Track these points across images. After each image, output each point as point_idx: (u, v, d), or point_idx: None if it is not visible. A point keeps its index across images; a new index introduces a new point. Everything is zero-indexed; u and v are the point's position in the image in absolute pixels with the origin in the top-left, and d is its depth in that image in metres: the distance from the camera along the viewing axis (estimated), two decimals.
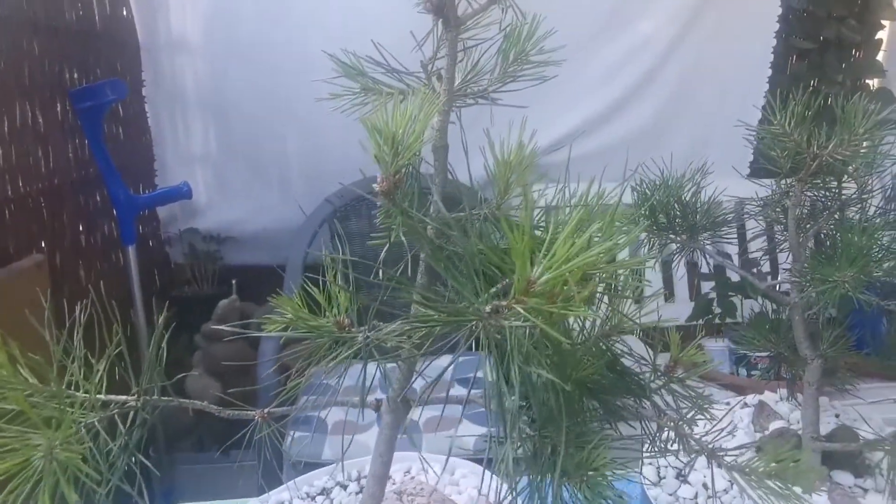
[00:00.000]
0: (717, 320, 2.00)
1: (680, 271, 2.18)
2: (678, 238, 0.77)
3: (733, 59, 2.22)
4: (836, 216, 0.71)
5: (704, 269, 2.16)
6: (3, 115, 1.46)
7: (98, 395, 0.44)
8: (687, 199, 0.77)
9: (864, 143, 0.62)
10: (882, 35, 2.34)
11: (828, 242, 0.73)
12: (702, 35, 2.17)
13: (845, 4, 2.28)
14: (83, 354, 0.46)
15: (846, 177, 0.69)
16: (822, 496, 0.65)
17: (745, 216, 0.75)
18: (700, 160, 0.81)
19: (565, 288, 0.34)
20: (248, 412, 0.54)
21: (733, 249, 1.93)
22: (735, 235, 0.81)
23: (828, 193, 0.70)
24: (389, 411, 0.51)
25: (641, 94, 2.21)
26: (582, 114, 2.17)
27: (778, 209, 0.73)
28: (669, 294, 2.19)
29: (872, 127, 0.61)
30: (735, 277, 2.08)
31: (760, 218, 0.76)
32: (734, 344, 2.00)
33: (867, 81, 2.38)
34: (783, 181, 0.70)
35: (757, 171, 2.28)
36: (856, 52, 2.36)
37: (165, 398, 0.48)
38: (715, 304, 2.02)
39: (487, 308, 0.35)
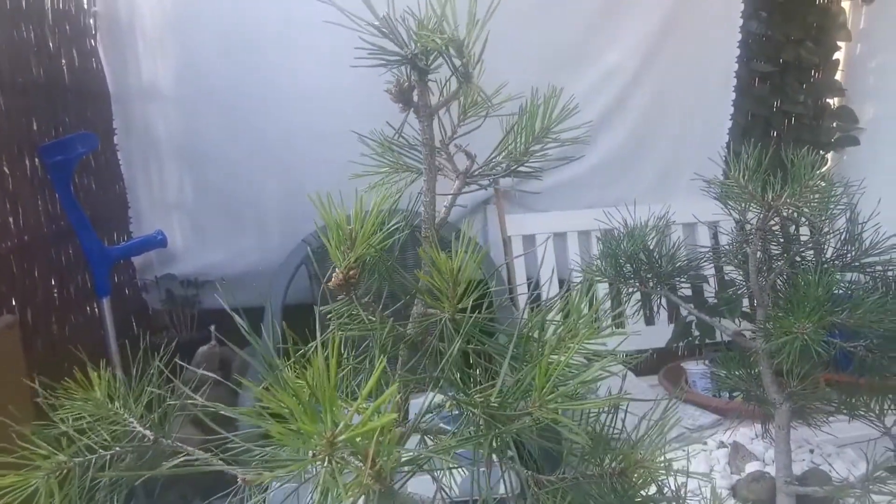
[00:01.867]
0: (696, 342, 2.03)
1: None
2: (646, 287, 0.78)
3: (697, 84, 2.28)
4: (798, 259, 0.73)
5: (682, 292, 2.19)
6: None
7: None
8: (652, 246, 0.78)
9: (815, 195, 0.64)
10: (839, 56, 2.42)
11: (789, 289, 0.75)
12: (666, 63, 2.23)
13: (802, 28, 2.36)
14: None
15: (803, 221, 0.71)
16: None
17: (707, 264, 0.76)
18: (667, 188, 0.83)
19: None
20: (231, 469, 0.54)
21: (710, 280, 1.96)
22: (707, 274, 0.83)
23: (783, 239, 0.71)
24: None
25: (610, 124, 2.26)
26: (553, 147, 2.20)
27: (739, 256, 0.75)
28: (649, 318, 2.22)
29: (821, 178, 0.63)
30: (712, 299, 2.11)
31: (723, 264, 0.78)
32: (713, 367, 2.02)
33: (828, 101, 2.45)
34: (741, 229, 0.72)
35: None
36: (815, 73, 2.44)
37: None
38: (694, 326, 2.05)
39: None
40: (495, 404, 0.41)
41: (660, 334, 2.15)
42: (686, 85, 2.27)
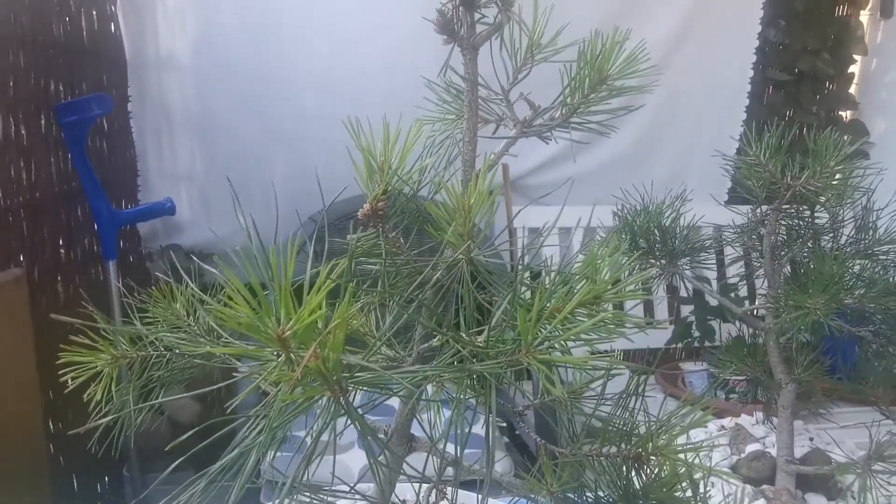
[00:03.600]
0: (696, 344, 2.03)
1: (659, 295, 2.21)
2: (658, 263, 0.79)
3: (711, 89, 2.28)
4: (810, 244, 0.74)
5: (684, 294, 2.20)
6: None
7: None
8: (666, 224, 0.79)
9: (836, 176, 0.65)
10: (854, 69, 2.43)
11: (801, 270, 0.76)
12: (681, 66, 2.23)
13: (820, 39, 2.37)
14: None
15: (818, 207, 0.71)
16: None
17: (723, 242, 0.77)
18: (679, 187, 0.84)
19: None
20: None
21: (712, 274, 1.97)
22: (714, 261, 0.83)
23: (801, 222, 0.72)
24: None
25: (622, 121, 2.26)
26: (561, 141, 2.20)
27: (754, 236, 0.76)
28: (649, 318, 2.22)
29: (843, 160, 0.63)
30: (714, 302, 2.12)
31: (738, 244, 0.79)
32: (712, 367, 2.03)
33: (840, 113, 2.45)
34: (759, 209, 0.72)
35: (735, 199, 2.33)
36: (829, 85, 2.45)
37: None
38: (694, 327, 2.05)
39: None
40: (481, 344, 0.39)
41: (658, 335, 2.15)
42: (700, 88, 2.27)
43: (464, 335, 0.41)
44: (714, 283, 2.04)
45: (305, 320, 0.31)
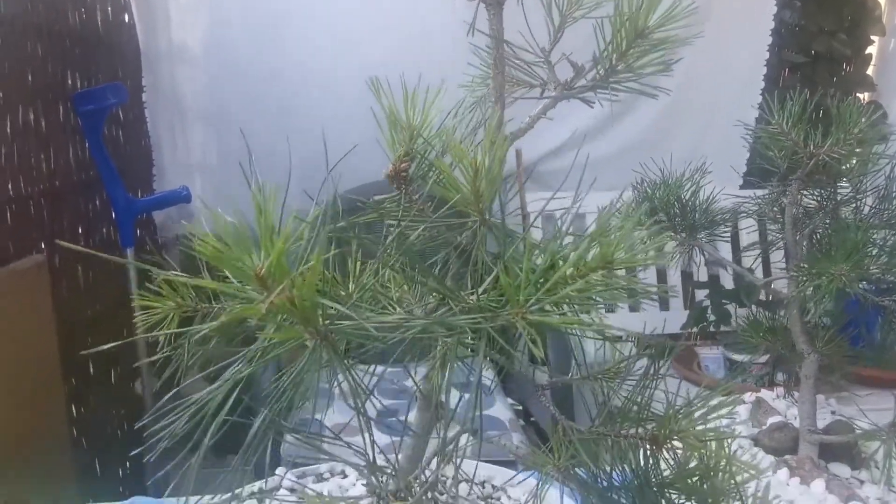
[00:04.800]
0: (711, 328, 2.02)
1: (674, 279, 2.20)
2: (677, 236, 0.79)
3: (727, 71, 2.26)
4: (832, 216, 0.73)
5: (699, 278, 2.18)
6: (6, 115, 1.47)
7: None
8: (686, 198, 0.79)
9: (860, 144, 0.64)
10: (871, 50, 2.39)
11: (823, 241, 0.75)
12: (696, 48, 2.20)
13: (837, 20, 2.33)
14: None
15: (841, 177, 0.71)
16: (819, 487, 0.66)
17: (742, 214, 0.77)
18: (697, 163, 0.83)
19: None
20: None
21: (727, 253, 1.96)
22: (728, 237, 0.83)
23: (824, 192, 0.71)
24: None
25: (635, 105, 2.25)
26: (577, 124, 2.20)
27: (775, 208, 0.75)
28: (664, 302, 2.21)
29: (867, 126, 0.63)
30: (729, 285, 2.10)
31: (756, 218, 0.78)
32: (729, 351, 2.02)
33: (857, 95, 2.42)
34: (779, 180, 0.72)
35: (750, 183, 2.31)
36: (846, 67, 2.41)
37: None
38: (709, 311, 2.04)
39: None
40: (471, 301, 0.38)
41: (674, 320, 2.15)
42: (715, 71, 2.24)
43: (463, 294, 0.39)
44: (731, 271, 2.02)
45: (275, 255, 0.31)
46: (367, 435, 0.41)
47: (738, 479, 0.44)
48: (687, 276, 2.24)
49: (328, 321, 0.35)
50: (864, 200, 0.73)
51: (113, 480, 1.84)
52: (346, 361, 0.36)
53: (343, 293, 0.43)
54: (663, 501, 0.46)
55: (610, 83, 0.43)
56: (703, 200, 0.79)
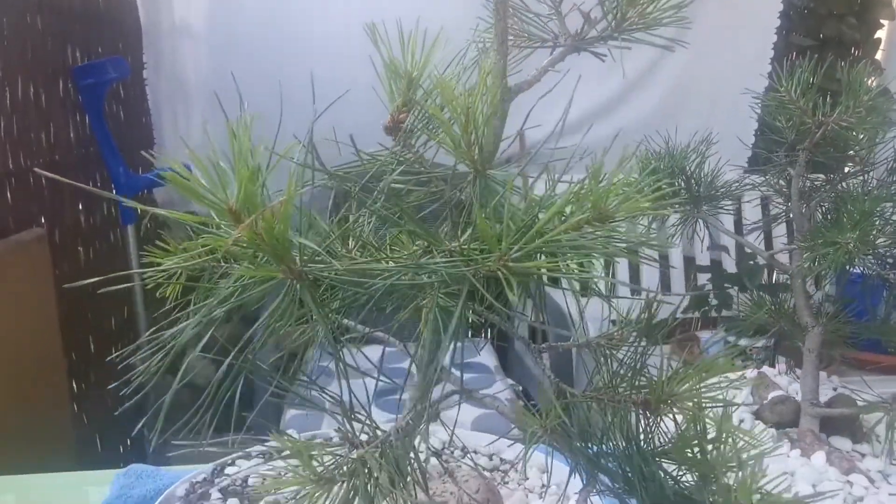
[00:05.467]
0: (713, 312, 2.01)
1: (676, 262, 2.19)
2: (681, 209, 0.78)
3: (734, 54, 2.23)
4: (840, 187, 0.72)
5: (700, 262, 2.17)
6: (6, 89, 1.46)
7: None
8: (691, 169, 0.78)
9: (869, 112, 0.63)
10: (881, 34, 2.36)
11: (829, 216, 0.74)
12: (703, 30, 2.18)
13: (846, 3, 2.30)
14: None
15: (850, 148, 0.70)
16: (820, 459, 0.66)
17: (748, 186, 0.76)
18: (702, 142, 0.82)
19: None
20: None
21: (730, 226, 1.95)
22: (732, 212, 0.82)
23: (831, 164, 0.70)
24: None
25: (640, 88, 2.23)
26: (583, 105, 2.18)
27: (781, 181, 0.74)
28: (665, 286, 2.21)
29: (877, 94, 0.62)
30: (732, 269, 2.09)
31: (761, 190, 0.77)
32: (730, 335, 2.02)
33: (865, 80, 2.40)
34: (786, 150, 0.71)
35: (754, 167, 2.29)
36: (855, 51, 2.38)
37: None
38: (711, 296, 2.04)
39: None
40: (453, 248, 0.36)
41: (675, 303, 2.14)
42: (722, 54, 2.22)
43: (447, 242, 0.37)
44: (734, 254, 2.01)
45: (244, 183, 0.30)
46: (343, 382, 0.40)
47: (740, 451, 0.42)
48: (689, 260, 2.23)
49: (307, 263, 0.34)
50: (871, 174, 0.72)
51: (114, 455, 1.85)
52: (325, 309, 0.36)
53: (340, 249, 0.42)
54: (655, 470, 0.44)
55: (622, 32, 0.41)
56: (708, 173, 0.78)
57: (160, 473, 0.78)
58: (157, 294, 0.56)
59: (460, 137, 0.35)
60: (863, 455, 0.68)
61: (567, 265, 0.36)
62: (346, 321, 0.45)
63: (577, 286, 0.43)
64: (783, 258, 0.79)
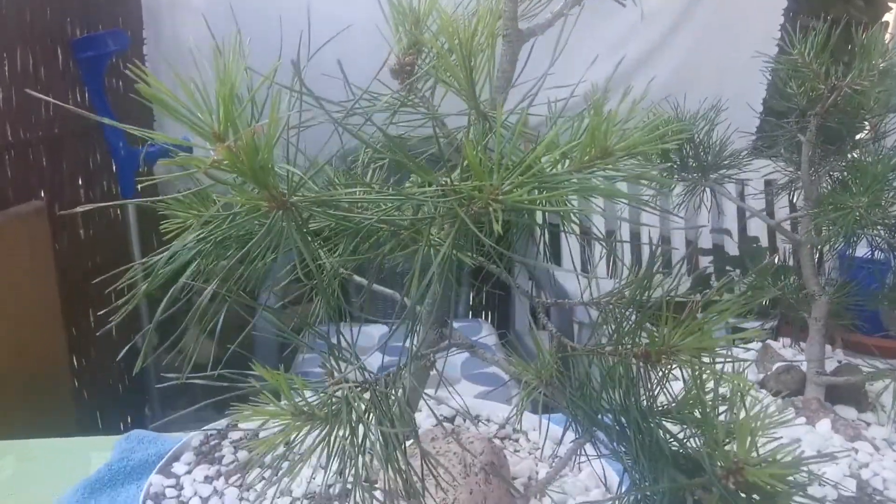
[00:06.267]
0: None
1: (679, 244, 2.18)
2: (689, 177, 0.77)
3: (739, 37, 2.21)
4: (851, 155, 0.71)
5: (702, 245, 2.16)
6: (5, 61, 1.44)
7: None
8: (699, 138, 0.77)
9: (882, 76, 0.62)
10: (889, 17, 2.34)
11: (839, 184, 0.73)
12: (708, 11, 2.16)
13: None
14: None
15: (862, 114, 0.68)
16: (825, 427, 0.65)
17: (757, 153, 0.74)
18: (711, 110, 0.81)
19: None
20: None
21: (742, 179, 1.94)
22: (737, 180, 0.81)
23: (843, 130, 0.69)
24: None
25: (643, 70, 2.21)
26: (592, 80, 2.16)
27: (791, 148, 0.73)
28: (667, 268, 2.20)
29: (892, 56, 0.60)
30: (733, 252, 2.09)
31: (771, 157, 0.76)
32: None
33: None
34: (797, 117, 0.69)
35: (760, 150, 2.28)
36: (862, 33, 2.36)
37: None
38: (713, 279, 2.03)
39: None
40: (444, 181, 0.33)
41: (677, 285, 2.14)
42: (727, 36, 2.20)
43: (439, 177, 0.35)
44: (737, 235, 2.01)
45: (224, 103, 0.29)
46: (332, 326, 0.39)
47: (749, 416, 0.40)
48: (691, 243, 2.22)
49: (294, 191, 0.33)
50: (883, 142, 0.71)
51: (114, 430, 1.85)
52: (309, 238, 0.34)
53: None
54: (654, 427, 0.43)
55: None
56: (717, 141, 0.77)
57: (161, 438, 0.78)
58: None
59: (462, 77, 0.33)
60: (868, 424, 0.68)
61: (563, 201, 0.34)
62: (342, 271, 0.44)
63: (576, 230, 0.41)
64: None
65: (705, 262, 2.11)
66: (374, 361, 0.46)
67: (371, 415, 0.34)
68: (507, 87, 0.38)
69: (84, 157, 1.77)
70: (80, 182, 1.74)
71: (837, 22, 2.37)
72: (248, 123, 0.32)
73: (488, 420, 0.68)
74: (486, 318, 2.35)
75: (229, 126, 0.31)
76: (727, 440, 0.37)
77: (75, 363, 1.68)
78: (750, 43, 2.23)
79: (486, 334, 1.81)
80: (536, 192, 0.32)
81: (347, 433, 0.33)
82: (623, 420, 0.41)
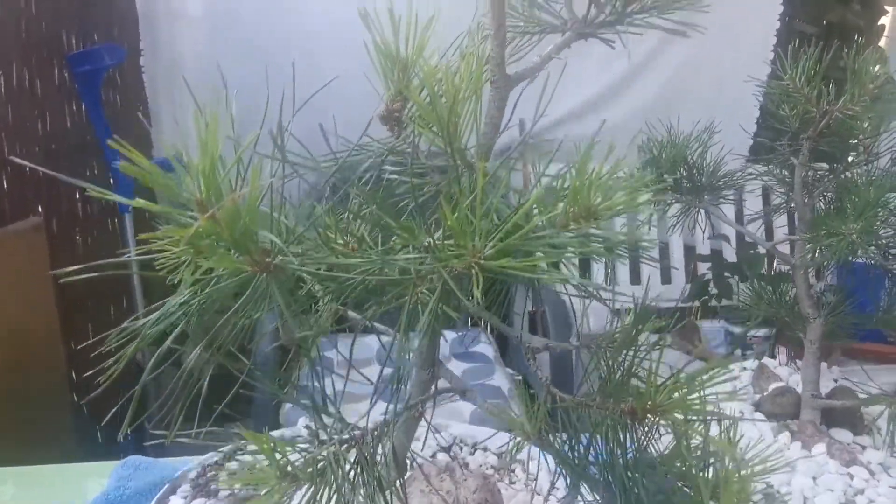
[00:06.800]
0: (713, 301, 2.01)
1: (676, 251, 2.19)
2: (683, 198, 0.77)
3: (736, 43, 2.21)
4: (843, 177, 0.71)
5: (701, 251, 2.17)
6: (0, 76, 1.44)
7: None
8: (693, 159, 0.77)
9: (874, 100, 0.62)
10: (885, 21, 2.34)
11: (832, 207, 0.73)
12: (705, 16, 2.16)
13: None
14: None
15: (854, 137, 0.69)
16: (821, 451, 0.65)
17: (750, 176, 0.75)
18: (704, 133, 0.81)
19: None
20: None
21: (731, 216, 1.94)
22: (733, 201, 0.81)
23: (835, 153, 0.69)
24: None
25: (641, 78, 2.21)
26: (585, 93, 2.16)
27: (784, 171, 0.73)
28: (665, 275, 2.20)
29: (883, 82, 0.60)
30: (732, 259, 2.09)
31: (764, 180, 0.76)
32: (730, 325, 2.01)
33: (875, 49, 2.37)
34: (790, 139, 0.69)
35: (756, 154, 2.28)
36: (859, 38, 2.36)
37: None
38: (711, 285, 2.03)
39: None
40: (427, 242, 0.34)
41: (675, 293, 2.14)
42: (724, 43, 2.20)
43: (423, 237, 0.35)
44: (734, 243, 2.00)
45: (207, 169, 0.29)
46: (317, 381, 0.39)
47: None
48: (689, 249, 2.22)
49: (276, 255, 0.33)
50: (875, 163, 0.71)
51: (113, 446, 1.85)
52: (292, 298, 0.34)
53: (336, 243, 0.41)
54: (639, 481, 0.42)
55: (630, 16, 0.40)
56: (710, 162, 0.77)
57: (158, 465, 0.78)
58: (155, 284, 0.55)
59: (443, 122, 0.33)
60: (863, 447, 0.68)
61: (543, 265, 0.34)
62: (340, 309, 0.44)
63: (571, 286, 0.41)
64: (784, 249, 0.78)
65: (704, 268, 2.11)
66: (373, 371, 0.45)
67: (357, 474, 0.34)
68: (496, 135, 0.38)
69: (81, 171, 1.77)
70: (77, 196, 1.74)
71: (833, 27, 2.36)
72: (231, 188, 0.32)
73: (485, 449, 0.68)
74: (486, 326, 2.35)
75: (211, 195, 0.31)
76: (713, 498, 0.37)
77: (74, 378, 1.68)
78: (746, 48, 2.24)
79: (485, 342, 1.80)
80: (520, 255, 0.31)
81: (334, 492, 0.33)
82: (609, 475, 0.41)
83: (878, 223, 0.60)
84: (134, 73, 2.06)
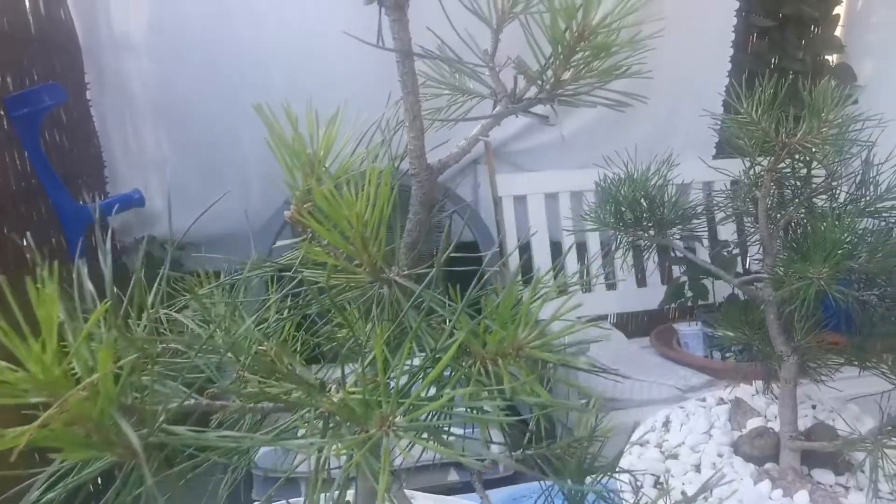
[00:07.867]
0: (689, 303, 2.00)
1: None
2: (646, 234, 0.73)
3: (694, 38, 2.20)
4: (807, 205, 0.69)
5: (675, 253, 2.15)
6: None
7: None
8: (654, 192, 0.73)
9: (833, 131, 0.59)
10: (839, 10, 2.35)
11: (799, 231, 0.71)
12: (662, 15, 2.14)
13: None
14: None
15: (815, 164, 0.66)
16: (803, 499, 0.63)
17: (714, 209, 0.71)
18: (665, 148, 0.78)
19: None
20: None
21: (703, 235, 1.92)
22: (706, 228, 0.78)
23: (797, 182, 0.67)
24: None
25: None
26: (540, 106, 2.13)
27: (748, 200, 0.70)
28: (641, 279, 2.19)
29: (841, 112, 0.58)
30: (704, 256, 2.08)
31: (730, 208, 0.73)
32: (707, 327, 2.00)
33: (827, 57, 2.38)
34: (751, 170, 0.66)
35: (723, 152, 2.27)
36: (815, 29, 2.37)
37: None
38: (687, 287, 2.02)
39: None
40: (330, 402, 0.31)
41: (652, 296, 2.12)
42: (683, 40, 2.18)
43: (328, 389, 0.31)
44: (707, 243, 1.99)
45: (46, 366, 0.25)
46: None
47: None
48: (664, 251, 2.21)
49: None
50: (840, 188, 0.68)
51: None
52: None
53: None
54: None
55: (558, 95, 0.36)
56: (672, 195, 0.73)
57: None
58: None
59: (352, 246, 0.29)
60: (847, 488, 0.66)
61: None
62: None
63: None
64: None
65: (678, 270, 2.09)
66: None
67: None
68: (419, 244, 0.34)
69: (27, 217, 1.69)
70: (24, 242, 1.66)
71: (789, 18, 2.36)
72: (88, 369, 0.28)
73: None
74: None
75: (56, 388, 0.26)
76: None
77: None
78: (704, 43, 2.23)
79: None
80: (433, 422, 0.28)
81: None
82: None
83: (844, 261, 0.57)
84: (81, 108, 1.99)
